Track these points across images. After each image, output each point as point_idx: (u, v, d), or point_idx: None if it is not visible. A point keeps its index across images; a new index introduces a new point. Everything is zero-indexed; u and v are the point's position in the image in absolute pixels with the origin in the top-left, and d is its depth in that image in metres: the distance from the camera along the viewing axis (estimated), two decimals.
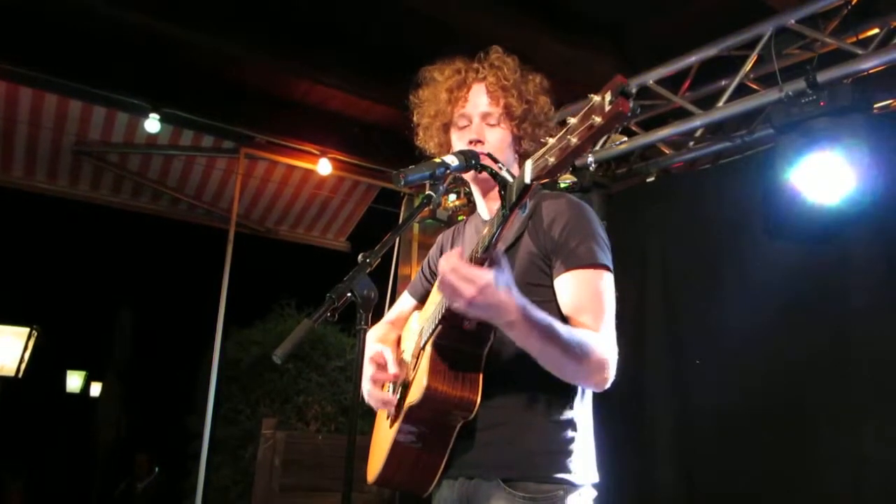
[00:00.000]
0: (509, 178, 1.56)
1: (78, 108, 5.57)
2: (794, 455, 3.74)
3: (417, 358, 1.91)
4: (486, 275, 1.53)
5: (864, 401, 3.52)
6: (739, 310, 4.07)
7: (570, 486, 1.79)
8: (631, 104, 1.25)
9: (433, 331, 1.79)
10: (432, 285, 2.19)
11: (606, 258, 1.87)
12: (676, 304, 4.53)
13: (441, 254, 2.18)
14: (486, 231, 1.62)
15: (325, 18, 4.79)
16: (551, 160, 1.37)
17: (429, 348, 1.79)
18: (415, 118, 2.15)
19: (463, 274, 1.53)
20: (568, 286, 1.83)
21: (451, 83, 2.04)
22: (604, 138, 4.87)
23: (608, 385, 1.76)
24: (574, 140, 1.32)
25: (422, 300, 2.26)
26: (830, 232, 3.75)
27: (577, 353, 1.67)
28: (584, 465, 1.85)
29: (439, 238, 2.33)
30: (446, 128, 2.08)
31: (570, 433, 1.84)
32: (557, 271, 1.85)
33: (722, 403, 4.08)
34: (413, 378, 1.89)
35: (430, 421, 1.81)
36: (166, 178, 6.52)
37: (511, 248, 1.93)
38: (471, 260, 1.61)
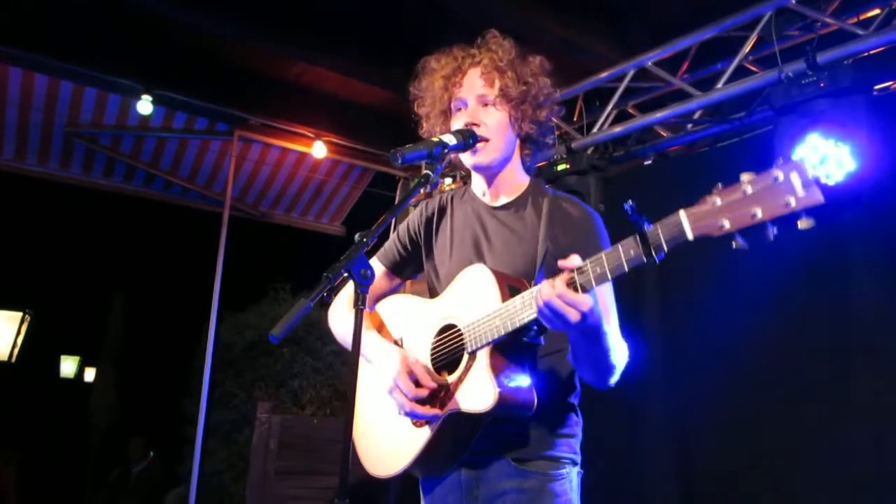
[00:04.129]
0: (646, 226, 1.48)
1: (69, 90, 5.50)
2: (790, 447, 3.74)
3: (459, 362, 1.86)
4: (589, 300, 1.59)
5: (863, 387, 3.52)
6: (736, 292, 4.05)
7: (573, 465, 1.93)
8: (821, 196, 1.22)
9: (494, 340, 1.76)
10: (409, 254, 2.18)
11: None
12: (672, 288, 4.51)
13: (425, 223, 2.15)
14: (595, 265, 1.58)
15: (320, 0, 4.73)
16: (726, 224, 1.34)
17: (485, 355, 1.79)
18: (416, 109, 2.13)
19: (570, 299, 1.58)
20: None
21: (446, 70, 2.02)
22: (604, 119, 4.84)
23: (611, 385, 1.87)
24: (759, 214, 1.29)
25: (393, 268, 2.21)
26: (829, 214, 3.72)
27: (615, 359, 1.80)
28: (580, 446, 1.98)
29: (420, 206, 2.23)
30: (445, 114, 2.05)
31: (574, 417, 1.97)
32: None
33: (718, 387, 4.08)
34: (459, 383, 1.83)
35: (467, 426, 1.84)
36: (159, 160, 6.46)
37: (526, 240, 1.95)
38: (569, 284, 1.61)
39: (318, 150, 5.94)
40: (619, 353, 1.81)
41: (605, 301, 1.85)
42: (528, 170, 2.09)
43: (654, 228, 1.44)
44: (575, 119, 5.12)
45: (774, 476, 3.78)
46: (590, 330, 1.67)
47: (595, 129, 4.89)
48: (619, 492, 4.28)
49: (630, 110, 4.94)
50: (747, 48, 4.14)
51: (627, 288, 4.57)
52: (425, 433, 1.89)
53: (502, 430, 1.84)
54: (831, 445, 3.58)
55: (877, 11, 3.77)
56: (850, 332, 3.64)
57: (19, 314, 8.04)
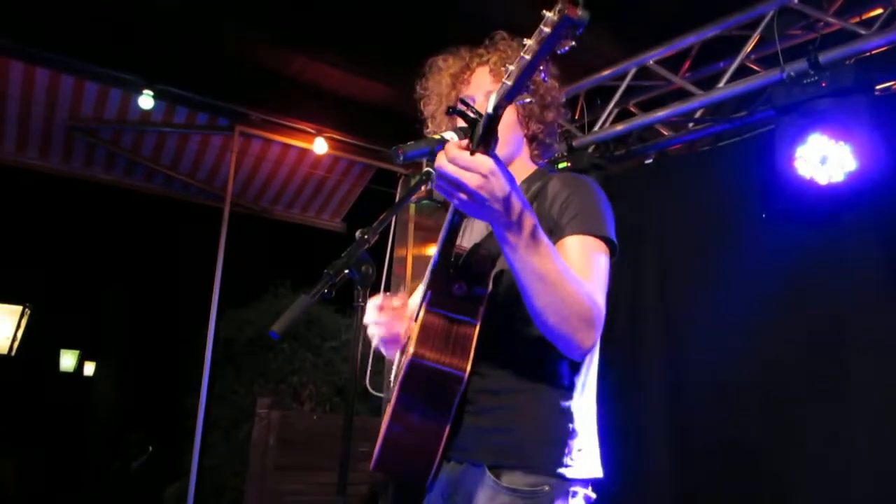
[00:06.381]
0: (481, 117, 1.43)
1: (70, 84, 5.50)
2: (789, 440, 3.74)
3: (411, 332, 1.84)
4: (489, 161, 1.39)
5: (862, 382, 3.52)
6: (737, 292, 4.05)
7: (561, 481, 1.70)
8: (579, 11, 1.19)
9: (423, 298, 1.72)
10: None
11: (608, 230, 1.78)
12: (673, 286, 4.51)
13: None
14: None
15: None
16: (509, 82, 1.33)
17: (419, 317, 1.70)
18: (422, 108, 2.11)
19: (465, 162, 1.38)
20: (562, 250, 1.70)
21: (454, 69, 2.01)
22: (605, 118, 4.83)
23: (588, 350, 1.63)
24: (528, 56, 1.29)
25: None
26: (830, 214, 3.73)
27: (571, 289, 1.53)
28: (580, 459, 1.75)
29: None
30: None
31: (568, 424, 1.75)
32: (556, 239, 1.72)
33: (718, 385, 4.08)
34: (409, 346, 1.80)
35: (424, 395, 1.70)
36: (160, 155, 6.44)
37: None
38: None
39: (320, 146, 5.93)
40: (578, 292, 1.55)
41: (585, 259, 1.69)
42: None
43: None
44: (576, 117, 5.12)
45: (773, 476, 3.79)
46: (513, 220, 1.44)
47: (596, 128, 4.89)
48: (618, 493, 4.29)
49: (631, 109, 4.93)
50: (749, 47, 4.13)
51: (626, 293, 4.60)
52: (389, 411, 1.76)
53: (484, 429, 1.73)
54: (831, 445, 3.58)
55: (879, 11, 3.75)
56: (850, 331, 3.63)
57: (19, 308, 8.06)
